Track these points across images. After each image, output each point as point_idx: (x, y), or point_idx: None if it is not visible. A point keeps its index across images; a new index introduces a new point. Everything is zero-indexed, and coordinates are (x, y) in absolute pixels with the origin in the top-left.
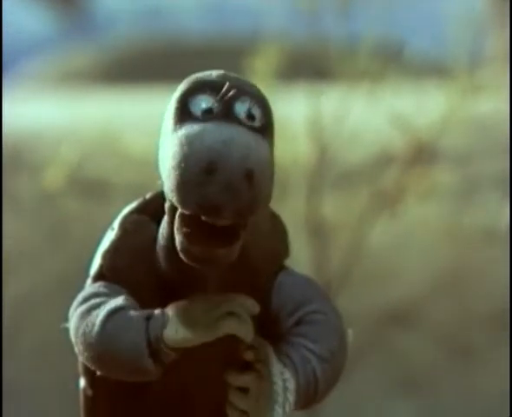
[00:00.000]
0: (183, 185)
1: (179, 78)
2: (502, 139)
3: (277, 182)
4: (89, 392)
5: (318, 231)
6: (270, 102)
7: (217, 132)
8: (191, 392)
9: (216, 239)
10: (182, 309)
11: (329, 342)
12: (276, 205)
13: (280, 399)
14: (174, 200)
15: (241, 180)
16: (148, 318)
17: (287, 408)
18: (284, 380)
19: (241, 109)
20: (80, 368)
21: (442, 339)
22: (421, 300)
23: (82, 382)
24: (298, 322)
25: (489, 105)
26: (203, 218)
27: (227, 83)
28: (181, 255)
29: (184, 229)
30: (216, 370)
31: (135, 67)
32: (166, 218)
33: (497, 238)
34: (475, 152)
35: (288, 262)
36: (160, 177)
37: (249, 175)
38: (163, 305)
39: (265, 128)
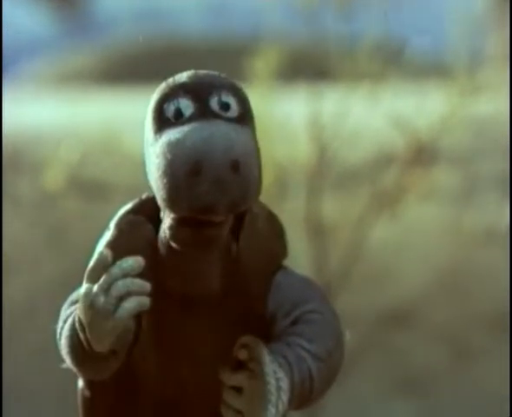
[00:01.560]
0: (173, 192)
1: None
2: (502, 139)
3: (277, 182)
4: (87, 392)
5: (318, 231)
6: (244, 91)
7: (196, 132)
8: (187, 392)
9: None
10: (83, 311)
11: (325, 342)
12: (276, 205)
13: (274, 398)
14: (168, 209)
15: (228, 172)
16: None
17: (280, 408)
18: (277, 380)
19: (215, 102)
20: None
21: (442, 339)
22: (421, 300)
23: (80, 383)
24: (295, 322)
25: (488, 105)
26: (199, 218)
27: (196, 86)
28: (171, 241)
29: (173, 224)
30: (213, 369)
31: (135, 67)
32: (163, 226)
33: (497, 238)
34: (475, 152)
35: (288, 263)
36: (151, 188)
37: (235, 166)
38: (159, 304)
39: (243, 115)
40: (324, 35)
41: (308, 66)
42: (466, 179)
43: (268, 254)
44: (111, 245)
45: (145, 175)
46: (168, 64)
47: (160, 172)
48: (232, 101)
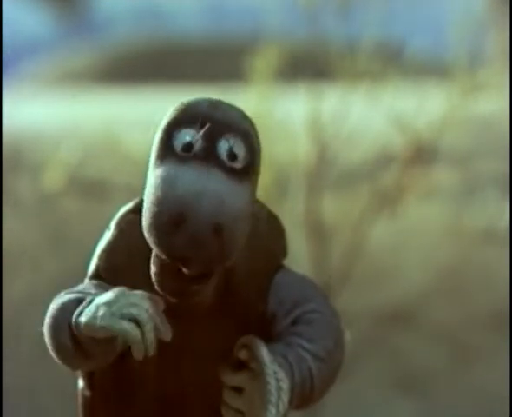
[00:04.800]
0: (154, 230)
1: (179, 78)
2: (502, 139)
3: (277, 182)
4: (87, 392)
5: (318, 231)
6: (257, 136)
7: (191, 180)
8: (188, 391)
9: (189, 276)
10: (103, 296)
11: (325, 342)
12: (275, 205)
13: (274, 399)
14: (147, 238)
15: (209, 234)
16: (80, 301)
17: (281, 408)
18: (278, 380)
19: (224, 147)
20: None
21: (442, 339)
22: (421, 299)
23: (81, 383)
24: (295, 321)
25: (489, 105)
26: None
27: (210, 122)
28: (156, 287)
29: (158, 264)
30: (213, 369)
31: (135, 67)
32: None
33: (497, 238)
34: (476, 152)
35: (287, 262)
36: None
37: (218, 230)
38: None
39: (247, 168)
40: (324, 35)
41: (308, 66)
42: (466, 179)
43: (268, 253)
44: (111, 245)
45: (145, 175)
46: (168, 64)
47: (149, 203)
48: (240, 149)
